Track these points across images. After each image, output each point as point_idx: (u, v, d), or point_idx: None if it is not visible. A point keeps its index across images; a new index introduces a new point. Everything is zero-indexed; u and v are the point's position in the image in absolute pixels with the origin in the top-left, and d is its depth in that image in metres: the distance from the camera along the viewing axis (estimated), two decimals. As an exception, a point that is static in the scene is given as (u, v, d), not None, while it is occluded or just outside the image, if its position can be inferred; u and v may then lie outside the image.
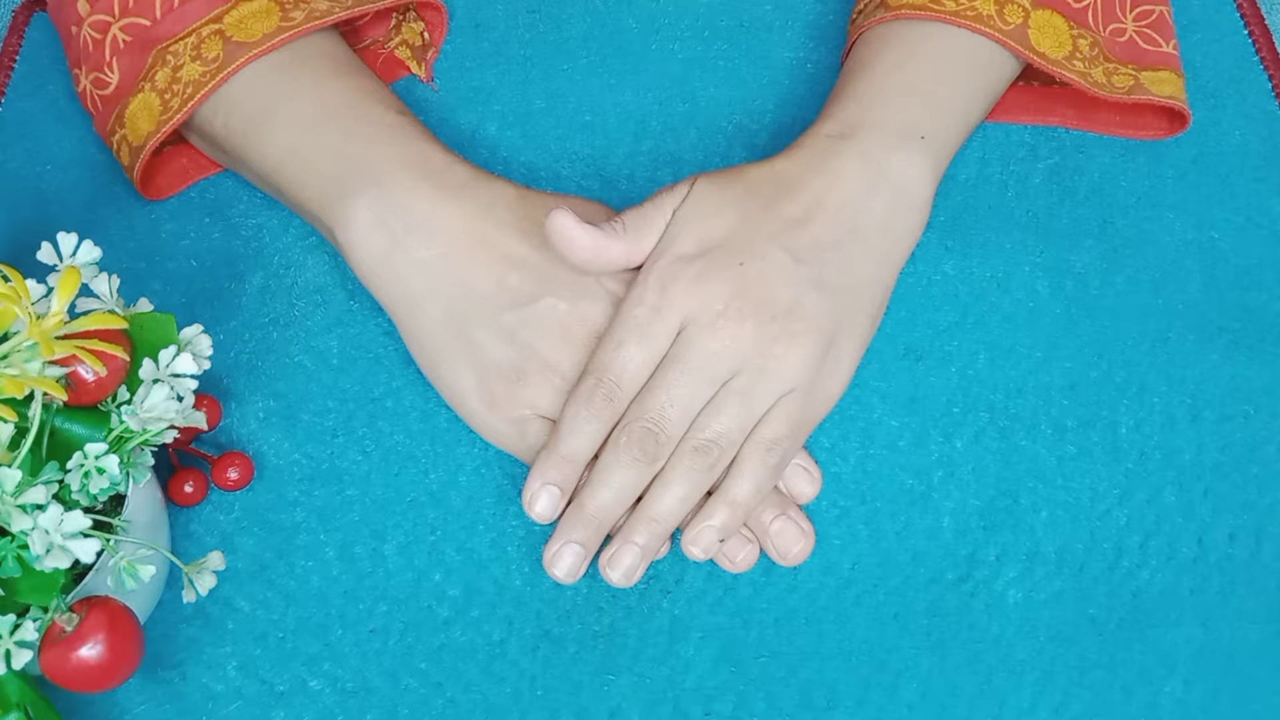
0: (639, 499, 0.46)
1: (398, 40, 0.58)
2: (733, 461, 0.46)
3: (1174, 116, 0.56)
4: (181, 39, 0.50)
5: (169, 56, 0.50)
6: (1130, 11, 0.55)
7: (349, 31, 0.56)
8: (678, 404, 0.45)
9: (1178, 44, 0.56)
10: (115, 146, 0.52)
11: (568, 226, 0.46)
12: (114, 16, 0.50)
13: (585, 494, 0.46)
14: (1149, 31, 0.55)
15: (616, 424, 0.46)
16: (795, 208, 0.47)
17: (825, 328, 0.46)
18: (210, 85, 0.49)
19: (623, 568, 0.45)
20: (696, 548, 0.46)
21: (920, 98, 0.50)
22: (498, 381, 0.47)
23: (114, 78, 0.51)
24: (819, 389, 0.46)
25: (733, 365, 0.45)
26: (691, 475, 0.45)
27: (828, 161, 0.48)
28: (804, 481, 0.48)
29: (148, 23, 0.50)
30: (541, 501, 0.46)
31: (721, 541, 0.46)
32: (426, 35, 0.58)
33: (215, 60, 0.49)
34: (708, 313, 0.45)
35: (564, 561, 0.45)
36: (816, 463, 0.49)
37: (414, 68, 0.57)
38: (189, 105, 0.49)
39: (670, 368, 0.46)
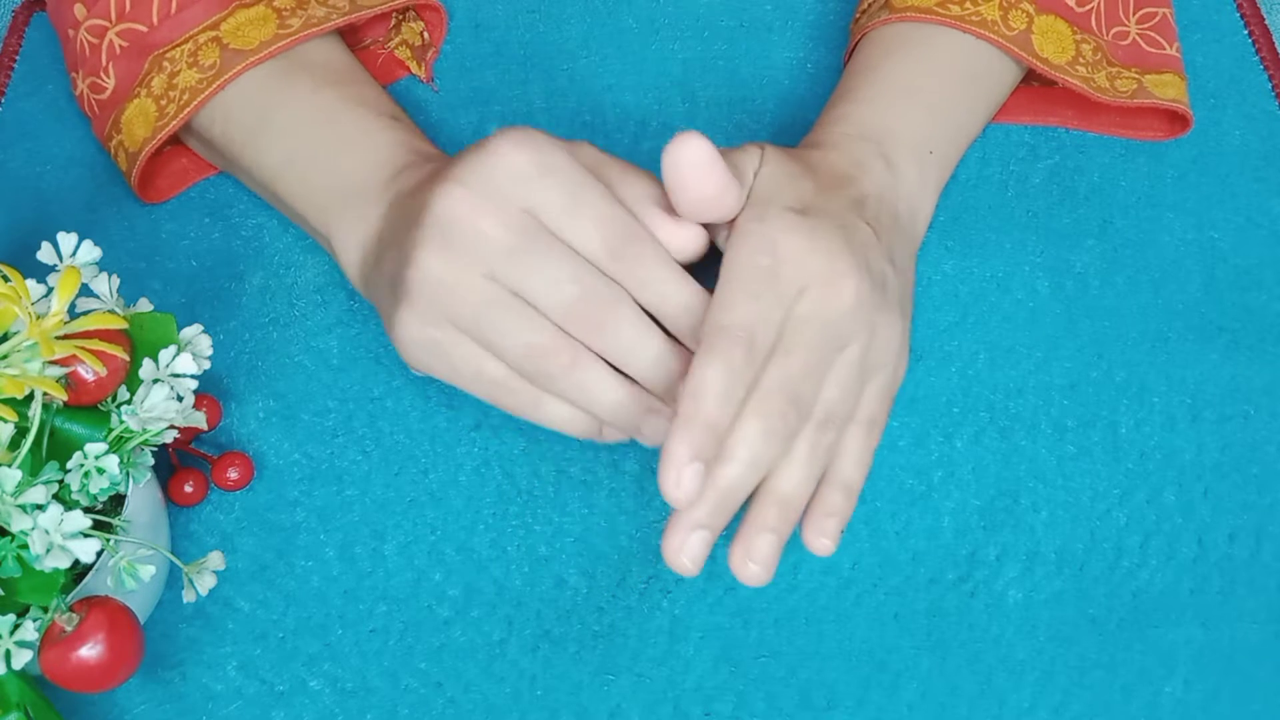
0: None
1: (397, 40, 0.58)
2: (840, 446, 0.43)
3: (1175, 119, 0.56)
4: (178, 45, 0.50)
5: (165, 63, 0.50)
6: (1133, 15, 0.55)
7: (348, 32, 0.56)
8: (810, 373, 0.41)
9: (1180, 46, 0.56)
10: (113, 151, 0.52)
11: (705, 159, 0.40)
12: (110, 21, 0.50)
13: (720, 470, 0.40)
14: (1152, 34, 0.55)
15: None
16: (853, 190, 0.46)
17: (903, 306, 0.44)
18: (207, 93, 0.49)
19: (762, 558, 0.40)
20: (827, 539, 0.42)
21: (927, 112, 0.50)
22: (422, 302, 0.42)
23: (110, 83, 0.51)
24: (900, 369, 0.44)
25: (852, 331, 0.42)
26: (816, 454, 0.41)
27: (860, 158, 0.48)
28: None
29: (144, 29, 0.50)
30: (689, 482, 0.38)
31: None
32: (426, 35, 0.58)
33: (212, 67, 0.49)
34: (832, 274, 0.41)
35: (694, 549, 0.39)
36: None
37: (414, 68, 0.57)
38: (185, 112, 0.49)
39: (802, 331, 0.41)
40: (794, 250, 0.41)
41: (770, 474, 0.41)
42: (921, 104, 0.50)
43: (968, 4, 0.51)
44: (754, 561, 0.40)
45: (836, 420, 0.41)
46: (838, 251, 0.42)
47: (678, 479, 0.39)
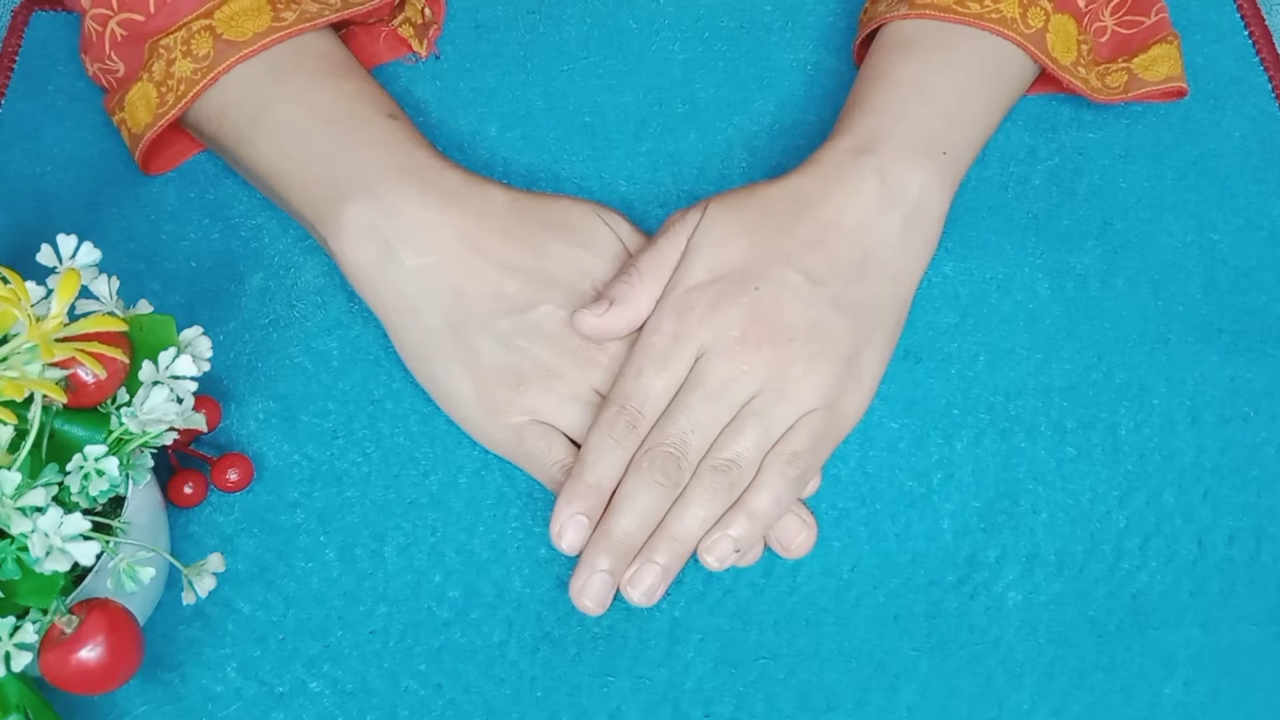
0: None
1: (400, 18, 0.58)
2: (755, 476, 0.46)
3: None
4: (173, 33, 0.50)
5: (161, 50, 0.50)
6: (1107, 8, 0.54)
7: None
8: (698, 428, 0.45)
9: (1163, 6, 0.55)
10: (117, 124, 0.53)
11: (602, 327, 0.47)
12: (113, 10, 0.51)
13: (610, 520, 0.45)
14: (1128, 18, 0.55)
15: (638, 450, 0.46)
16: (810, 228, 0.47)
17: (844, 347, 0.46)
18: (202, 84, 0.49)
19: (644, 587, 0.45)
20: (711, 556, 0.45)
21: (943, 112, 0.50)
22: (496, 387, 0.47)
23: (120, 65, 0.52)
24: (841, 407, 0.47)
25: (751, 388, 0.46)
26: (712, 495, 0.45)
27: (846, 177, 0.48)
28: (796, 529, 0.47)
29: (141, 18, 0.50)
30: (570, 533, 0.45)
31: (737, 552, 0.46)
32: (428, 12, 0.58)
33: (206, 58, 0.49)
34: (724, 339, 0.46)
35: (593, 590, 0.45)
36: (812, 512, 0.48)
37: (415, 45, 0.57)
38: (182, 102, 0.50)
39: (690, 393, 0.46)
40: (689, 325, 0.46)
41: (666, 516, 0.45)
42: (937, 105, 0.50)
43: (987, 1, 0.51)
44: (633, 587, 0.45)
45: (739, 465, 0.45)
46: (734, 321, 0.46)
47: (559, 532, 0.45)
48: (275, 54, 0.50)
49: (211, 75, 0.49)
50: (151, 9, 0.50)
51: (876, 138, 0.49)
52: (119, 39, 0.51)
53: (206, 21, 0.50)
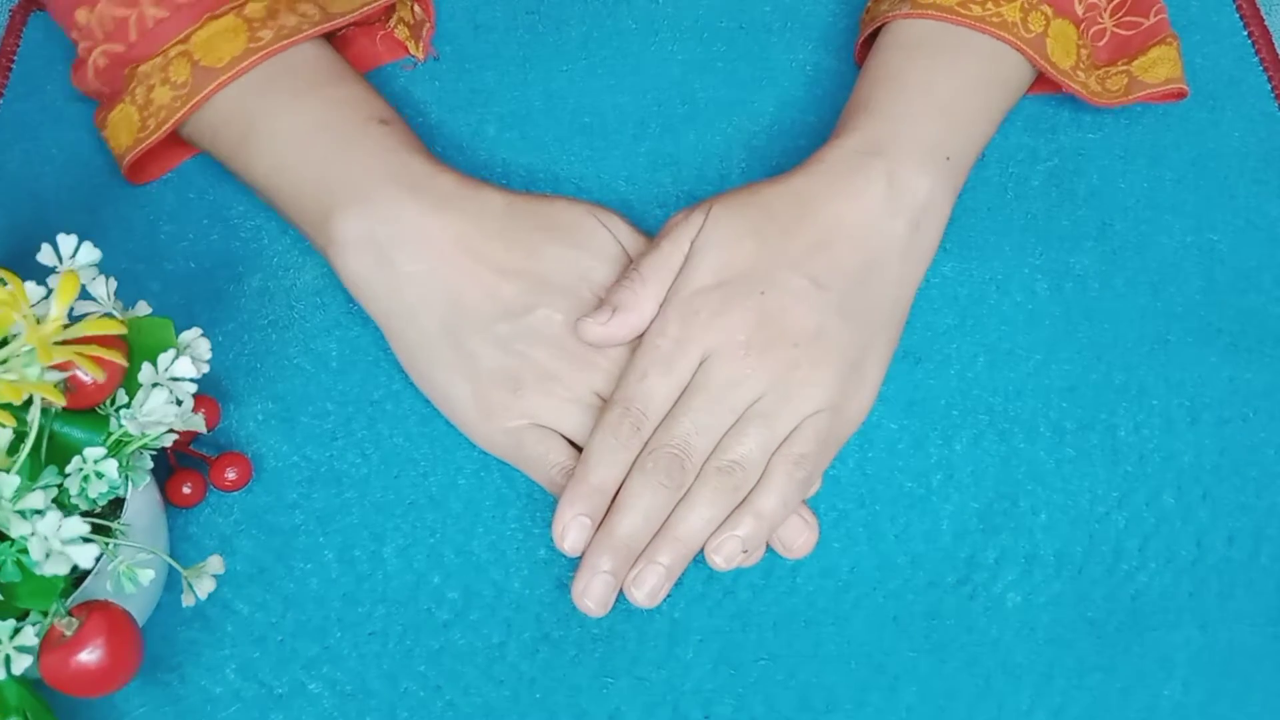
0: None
1: (395, 19, 0.58)
2: (760, 477, 0.46)
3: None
4: (150, 59, 0.50)
5: (140, 76, 0.50)
6: (1106, 10, 0.54)
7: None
8: (702, 430, 0.45)
9: (1163, 7, 0.55)
10: (105, 139, 0.53)
11: (607, 334, 0.47)
12: (95, 41, 0.51)
13: (613, 521, 0.45)
14: (1128, 19, 0.55)
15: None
16: (815, 231, 0.47)
17: (848, 351, 0.46)
18: (181, 113, 0.49)
19: (647, 587, 0.45)
20: (719, 556, 0.45)
21: (948, 117, 0.50)
22: (494, 391, 0.47)
23: (104, 88, 0.52)
24: (845, 410, 0.47)
25: (756, 391, 0.46)
26: (716, 496, 0.45)
27: (853, 179, 0.48)
28: (799, 529, 0.47)
29: (122, 48, 0.50)
30: (573, 534, 0.45)
31: (745, 553, 0.46)
32: (418, 10, 0.58)
33: (184, 85, 0.49)
34: (729, 344, 0.46)
35: (595, 592, 0.45)
36: (814, 513, 0.48)
37: (411, 47, 0.57)
38: (164, 129, 0.50)
39: (694, 395, 0.46)
40: (694, 329, 0.46)
41: (671, 517, 0.45)
42: (942, 109, 0.50)
43: (989, 4, 0.51)
44: (636, 588, 0.45)
45: (744, 466, 0.45)
46: (739, 325, 0.46)
47: (561, 533, 0.45)
48: (257, 71, 0.50)
49: (190, 104, 0.49)
50: (132, 38, 0.50)
51: (884, 140, 0.49)
52: (100, 66, 0.51)
53: (183, 47, 0.49)
